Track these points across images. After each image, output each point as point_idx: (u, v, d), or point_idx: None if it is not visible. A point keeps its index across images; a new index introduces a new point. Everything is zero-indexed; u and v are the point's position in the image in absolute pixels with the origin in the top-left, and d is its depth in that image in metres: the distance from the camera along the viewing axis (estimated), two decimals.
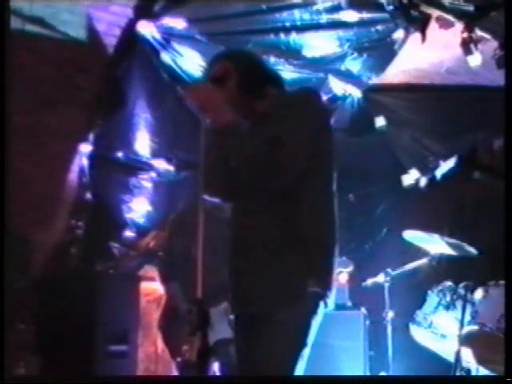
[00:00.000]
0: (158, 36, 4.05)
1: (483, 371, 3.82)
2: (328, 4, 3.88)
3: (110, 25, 4.06)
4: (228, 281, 2.57)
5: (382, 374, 4.12)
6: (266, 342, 2.50)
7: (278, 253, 2.45)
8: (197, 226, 2.30)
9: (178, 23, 4.05)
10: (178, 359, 3.47)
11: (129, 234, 4.15)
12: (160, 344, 4.12)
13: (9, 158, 3.71)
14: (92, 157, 4.04)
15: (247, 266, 2.50)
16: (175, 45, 4.13)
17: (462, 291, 3.91)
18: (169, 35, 4.10)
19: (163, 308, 3.63)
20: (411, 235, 4.04)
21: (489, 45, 3.92)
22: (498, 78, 4.00)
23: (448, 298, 3.92)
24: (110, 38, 4.06)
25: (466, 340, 3.74)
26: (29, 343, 3.95)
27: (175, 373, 3.93)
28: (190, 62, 4.14)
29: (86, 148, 4.02)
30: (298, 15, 3.98)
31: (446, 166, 4.04)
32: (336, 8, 3.91)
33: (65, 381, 3.91)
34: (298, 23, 4.02)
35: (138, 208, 4.19)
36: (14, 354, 4.01)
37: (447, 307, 3.90)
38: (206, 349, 2.33)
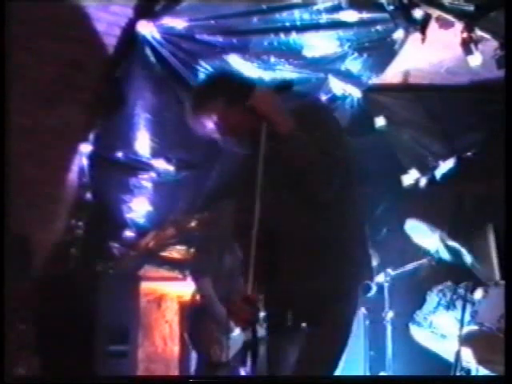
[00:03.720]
0: (158, 36, 3.96)
1: (483, 371, 3.80)
2: (328, 4, 3.83)
3: (110, 25, 3.97)
4: (264, 281, 2.55)
5: (382, 373, 4.09)
6: (312, 342, 2.49)
7: (319, 253, 2.45)
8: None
9: (177, 23, 3.97)
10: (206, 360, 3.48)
11: (129, 234, 4.12)
12: (160, 344, 4.18)
13: (9, 158, 3.72)
14: (92, 157, 4.00)
15: (287, 267, 2.50)
16: (175, 44, 4.03)
17: (461, 291, 3.90)
18: (169, 35, 4.00)
19: (191, 307, 3.60)
20: (413, 225, 4.07)
21: (489, 45, 3.88)
22: (498, 78, 4.00)
23: (448, 298, 3.91)
24: (111, 38, 3.97)
25: (466, 340, 3.74)
26: (29, 343, 3.93)
27: (178, 373, 3.94)
28: (190, 61, 4.06)
29: (86, 148, 3.98)
30: (297, 15, 3.93)
31: (445, 165, 4.03)
32: (336, 8, 3.86)
33: (65, 381, 3.93)
34: (298, 23, 3.97)
35: (138, 208, 4.16)
36: (14, 353, 4.01)
37: (447, 307, 3.89)
38: (254, 345, 2.33)
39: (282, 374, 2.66)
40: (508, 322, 2.66)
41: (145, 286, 4.10)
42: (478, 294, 3.85)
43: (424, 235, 4.17)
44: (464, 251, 4.02)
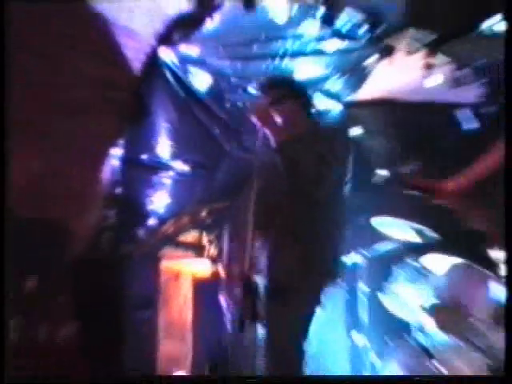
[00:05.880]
0: (175, 60, 4.07)
1: (442, 336, 3.80)
2: (314, 35, 3.92)
3: (136, 50, 4.03)
4: (263, 259, 2.72)
5: (356, 333, 4.18)
6: (293, 308, 2.65)
7: (308, 238, 2.61)
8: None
9: (192, 50, 4.08)
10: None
11: (151, 221, 4.13)
12: (176, 311, 4.17)
13: (53, 161, 3.84)
14: (121, 159, 4.04)
15: (283, 248, 2.66)
16: (190, 67, 4.13)
17: (423, 267, 4.00)
18: (185, 60, 4.11)
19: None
20: (379, 221, 4.14)
21: (448, 67, 3.96)
22: (456, 96, 4.12)
23: (411, 273, 3.98)
24: (137, 62, 4.03)
25: (428, 310, 3.78)
26: (69, 311, 3.89)
27: (191, 335, 4.04)
28: (202, 81, 4.16)
29: (116, 151, 4.02)
30: (289, 44, 4.02)
31: (408, 167, 4.10)
32: (321, 38, 3.96)
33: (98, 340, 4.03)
34: (290, 51, 4.05)
35: (159, 201, 4.16)
36: (56, 320, 4.14)
37: (411, 280, 3.96)
38: (254, 313, 2.51)
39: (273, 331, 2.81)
40: (508, 321, 2.54)
41: (164, 264, 4.12)
42: (438, 268, 3.91)
43: (390, 227, 4.19)
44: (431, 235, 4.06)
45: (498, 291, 3.64)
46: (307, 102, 2.91)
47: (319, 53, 4.02)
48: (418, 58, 3.85)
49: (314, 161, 2.57)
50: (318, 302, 2.78)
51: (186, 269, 4.26)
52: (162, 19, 3.97)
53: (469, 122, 4.03)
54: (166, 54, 4.05)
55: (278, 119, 2.72)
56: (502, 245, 2.88)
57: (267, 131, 2.75)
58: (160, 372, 4.00)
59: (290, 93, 2.89)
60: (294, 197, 2.62)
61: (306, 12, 3.85)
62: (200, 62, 4.12)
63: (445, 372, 3.60)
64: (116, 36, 3.99)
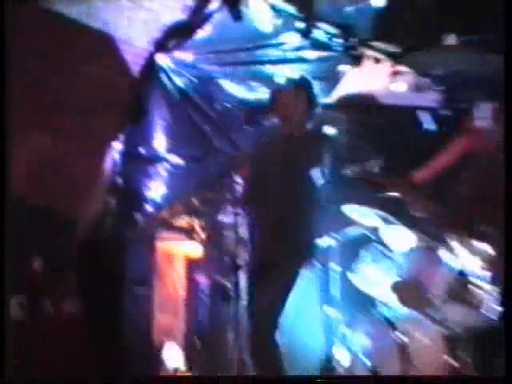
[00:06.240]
0: (171, 65, 4.31)
1: (403, 309, 4.00)
2: (294, 45, 4.22)
3: (135, 55, 4.29)
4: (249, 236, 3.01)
5: (329, 307, 4.31)
6: (274, 284, 2.94)
7: (292, 220, 2.91)
8: None
9: (185, 56, 4.33)
10: None
11: (149, 208, 4.30)
12: (171, 287, 4.40)
13: (61, 155, 4.06)
14: (122, 152, 4.23)
15: (267, 226, 2.94)
16: (184, 72, 4.36)
17: (386, 250, 4.19)
18: (180, 65, 4.34)
19: None
20: (348, 208, 4.28)
21: (409, 76, 4.26)
22: (418, 100, 4.37)
23: (377, 255, 4.18)
24: (136, 66, 4.28)
25: (391, 286, 3.96)
26: (74, 287, 4.11)
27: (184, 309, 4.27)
28: (195, 85, 4.40)
29: (117, 145, 4.22)
30: (272, 52, 4.30)
31: (373, 164, 4.40)
32: (300, 48, 4.24)
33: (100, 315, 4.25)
34: (272, 58, 4.32)
35: (156, 190, 4.33)
36: (61, 294, 4.21)
37: (377, 261, 4.16)
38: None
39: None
40: (508, 320, 2.51)
41: (160, 245, 4.31)
42: (401, 250, 4.08)
43: (360, 214, 4.31)
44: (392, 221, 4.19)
45: (450, 269, 3.98)
46: (314, 104, 3.21)
47: (298, 60, 4.27)
48: (385, 67, 4.15)
49: (304, 157, 2.91)
50: (295, 278, 3.06)
51: (179, 250, 4.45)
52: (159, 28, 4.23)
53: (428, 124, 4.35)
54: (162, 59, 4.29)
55: (293, 113, 3.02)
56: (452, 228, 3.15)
57: (279, 120, 3.04)
58: (154, 342, 4.24)
59: (309, 94, 3.18)
60: (283, 184, 2.94)
61: (287, 24, 4.15)
62: (193, 67, 4.36)
63: (405, 340, 3.95)
64: (116, 42, 4.27)
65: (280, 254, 2.98)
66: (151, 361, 4.14)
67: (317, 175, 3.00)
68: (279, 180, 2.92)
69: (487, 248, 3.23)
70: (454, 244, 3.81)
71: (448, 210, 2.97)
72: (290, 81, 3.28)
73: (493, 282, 3.16)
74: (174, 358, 4.16)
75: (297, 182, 2.91)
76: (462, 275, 3.94)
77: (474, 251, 3.63)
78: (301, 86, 3.12)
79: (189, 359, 4.20)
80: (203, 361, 4.08)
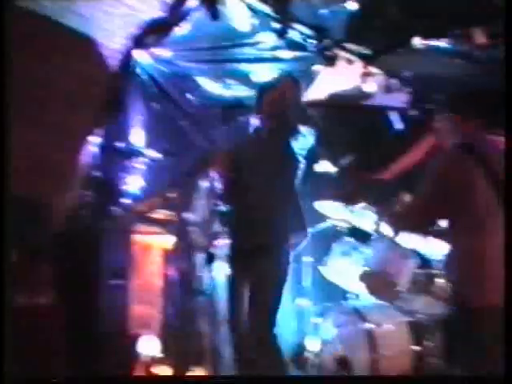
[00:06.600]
0: (150, 61, 4.36)
1: (372, 300, 4.25)
2: (270, 45, 4.30)
3: (113, 51, 4.32)
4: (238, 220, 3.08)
5: (301, 298, 4.49)
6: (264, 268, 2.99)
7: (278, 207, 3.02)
8: None
9: (163, 52, 4.38)
10: None
11: (126, 201, 4.32)
12: (148, 279, 4.40)
13: (41, 146, 4.04)
14: (100, 145, 4.20)
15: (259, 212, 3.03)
16: (162, 68, 4.42)
17: (355, 243, 4.42)
18: (157, 61, 4.40)
19: None
20: (321, 204, 4.45)
21: (380, 77, 4.44)
22: (388, 101, 4.57)
23: (347, 248, 4.39)
24: (114, 60, 4.31)
25: (360, 278, 4.16)
26: (49, 279, 4.00)
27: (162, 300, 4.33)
28: (173, 81, 4.48)
29: (95, 139, 4.20)
30: (248, 51, 4.37)
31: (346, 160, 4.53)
32: (275, 48, 4.34)
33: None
34: (248, 57, 4.41)
35: (134, 183, 4.37)
36: (36, 286, 4.18)
37: (346, 254, 4.38)
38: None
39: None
40: (507, 320, 2.52)
41: (137, 238, 4.30)
42: (368, 245, 4.30)
43: (332, 211, 4.49)
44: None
45: (416, 261, 4.18)
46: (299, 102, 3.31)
47: (273, 60, 4.37)
48: (357, 68, 4.28)
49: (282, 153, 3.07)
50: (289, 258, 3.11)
51: (156, 243, 4.45)
52: (137, 24, 4.24)
53: (397, 124, 4.52)
54: (140, 55, 4.33)
55: (281, 109, 3.11)
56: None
57: (266, 116, 3.13)
58: (130, 334, 4.20)
59: (297, 92, 3.27)
60: (264, 179, 3.06)
61: (264, 24, 4.21)
62: (170, 64, 4.41)
63: (373, 328, 4.11)
64: (95, 37, 4.28)
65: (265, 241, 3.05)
66: (128, 352, 4.14)
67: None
68: (261, 175, 3.03)
69: (443, 244, 3.36)
70: (417, 238, 4.04)
71: (408, 207, 3.08)
72: (279, 77, 3.33)
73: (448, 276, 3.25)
74: (150, 348, 4.20)
75: (277, 175, 3.03)
76: (426, 267, 4.18)
77: (433, 247, 3.94)
78: (290, 83, 3.20)
79: (165, 350, 4.25)
80: (179, 352, 4.14)
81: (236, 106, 3.32)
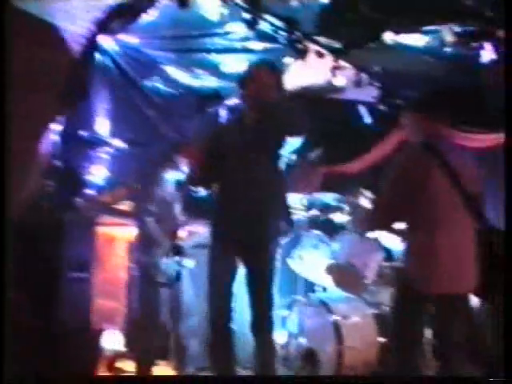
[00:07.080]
0: (116, 48, 4.26)
1: (339, 293, 4.30)
2: (240, 35, 4.22)
3: (76, 35, 4.11)
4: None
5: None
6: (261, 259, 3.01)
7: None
8: None
9: (130, 39, 4.29)
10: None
11: (89, 192, 4.26)
12: (111, 271, 4.39)
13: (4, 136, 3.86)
14: (62, 134, 4.08)
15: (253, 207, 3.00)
16: (127, 54, 4.33)
17: (323, 237, 4.44)
18: (122, 47, 4.31)
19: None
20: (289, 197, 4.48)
21: (350, 71, 4.43)
22: (357, 95, 4.65)
23: (315, 242, 4.42)
24: (76, 45, 4.11)
25: (327, 270, 4.25)
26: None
27: (125, 292, 4.24)
28: (140, 68, 4.40)
29: (57, 127, 4.07)
30: (217, 41, 4.31)
31: (315, 152, 4.55)
32: (245, 39, 4.26)
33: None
34: (218, 47, 4.35)
35: (98, 173, 4.31)
36: None
37: (314, 247, 4.40)
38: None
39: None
40: (507, 320, 2.55)
41: (101, 230, 4.20)
42: (336, 239, 4.35)
43: (301, 204, 4.53)
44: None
45: (381, 254, 4.24)
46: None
47: (243, 51, 4.32)
48: (327, 61, 4.23)
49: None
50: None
51: (120, 234, 4.41)
52: (101, 8, 4.03)
53: (366, 118, 4.56)
54: (105, 41, 4.20)
55: (265, 96, 3.06)
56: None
57: (250, 106, 3.06)
58: (94, 328, 4.13)
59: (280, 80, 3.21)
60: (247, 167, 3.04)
61: (234, 14, 4.09)
62: (137, 51, 4.32)
63: (339, 320, 4.15)
64: (53, 19, 4.06)
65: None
66: (91, 347, 4.03)
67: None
68: (249, 164, 3.00)
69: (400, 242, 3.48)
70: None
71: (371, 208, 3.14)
72: (255, 65, 3.26)
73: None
74: (114, 343, 4.11)
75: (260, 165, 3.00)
76: (392, 260, 4.26)
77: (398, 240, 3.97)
78: (268, 70, 3.14)
79: (129, 344, 4.17)
80: (143, 346, 4.05)
81: (212, 97, 3.23)
